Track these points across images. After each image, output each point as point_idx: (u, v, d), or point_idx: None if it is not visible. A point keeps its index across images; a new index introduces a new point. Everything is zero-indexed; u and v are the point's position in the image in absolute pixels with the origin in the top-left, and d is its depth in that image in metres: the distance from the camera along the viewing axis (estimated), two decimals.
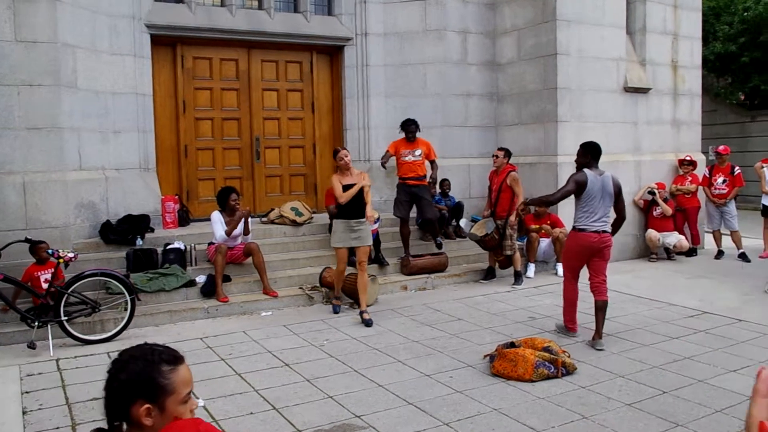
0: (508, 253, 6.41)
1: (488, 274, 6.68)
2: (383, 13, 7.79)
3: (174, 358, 1.37)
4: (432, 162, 6.72)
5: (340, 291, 5.58)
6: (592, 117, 7.53)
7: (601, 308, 4.45)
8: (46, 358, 4.38)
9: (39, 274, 4.94)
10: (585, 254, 4.49)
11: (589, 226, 4.42)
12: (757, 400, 0.91)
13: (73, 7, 5.81)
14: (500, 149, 6.58)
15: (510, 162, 6.51)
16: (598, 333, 4.46)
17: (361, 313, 5.15)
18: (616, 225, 4.61)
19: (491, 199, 6.50)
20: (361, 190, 5.17)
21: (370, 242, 5.38)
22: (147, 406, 1.30)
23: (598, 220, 4.43)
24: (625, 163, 7.82)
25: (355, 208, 5.15)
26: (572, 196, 4.54)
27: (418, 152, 6.52)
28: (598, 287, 4.48)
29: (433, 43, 7.77)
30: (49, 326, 4.58)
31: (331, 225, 6.78)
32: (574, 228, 4.55)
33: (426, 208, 6.59)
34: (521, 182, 6.37)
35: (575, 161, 4.66)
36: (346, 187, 5.15)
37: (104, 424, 1.37)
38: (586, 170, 4.48)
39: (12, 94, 5.37)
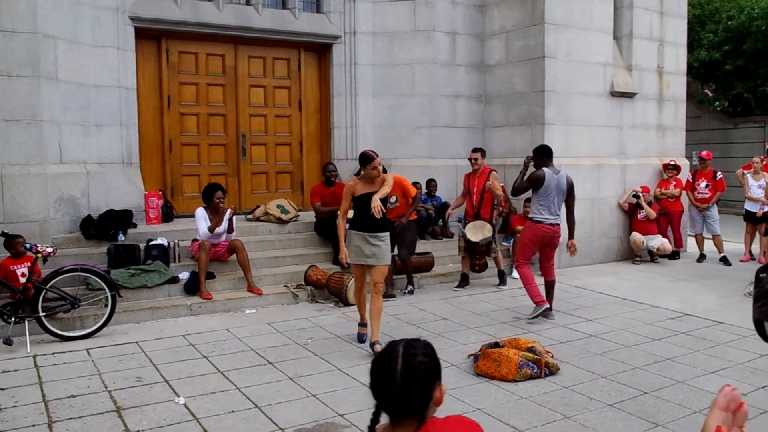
0: (494, 255, 6.42)
1: (463, 281, 6.40)
2: (372, 12, 7.77)
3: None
4: (414, 198, 5.68)
5: (365, 316, 4.61)
6: (578, 120, 7.59)
7: (551, 286, 5.24)
8: (22, 354, 4.29)
9: (15, 268, 4.83)
10: (540, 243, 5.10)
11: (545, 219, 5.03)
12: (714, 411, 0.99)
13: None
14: (476, 150, 6.24)
15: (487, 163, 6.40)
16: (550, 306, 5.14)
17: (372, 345, 4.33)
18: (570, 225, 5.16)
19: (473, 202, 6.20)
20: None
21: (388, 261, 4.52)
22: (442, 385, 1.36)
23: (552, 214, 5.04)
24: (610, 166, 7.90)
25: (372, 220, 4.31)
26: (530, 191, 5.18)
27: (393, 199, 5.59)
28: (547, 270, 5.26)
29: (422, 44, 7.77)
30: (26, 322, 4.49)
31: (317, 223, 6.78)
32: (531, 219, 5.13)
33: (402, 246, 5.93)
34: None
35: (534, 164, 5.19)
36: (362, 197, 4.34)
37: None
38: (544, 168, 5.08)
39: None
